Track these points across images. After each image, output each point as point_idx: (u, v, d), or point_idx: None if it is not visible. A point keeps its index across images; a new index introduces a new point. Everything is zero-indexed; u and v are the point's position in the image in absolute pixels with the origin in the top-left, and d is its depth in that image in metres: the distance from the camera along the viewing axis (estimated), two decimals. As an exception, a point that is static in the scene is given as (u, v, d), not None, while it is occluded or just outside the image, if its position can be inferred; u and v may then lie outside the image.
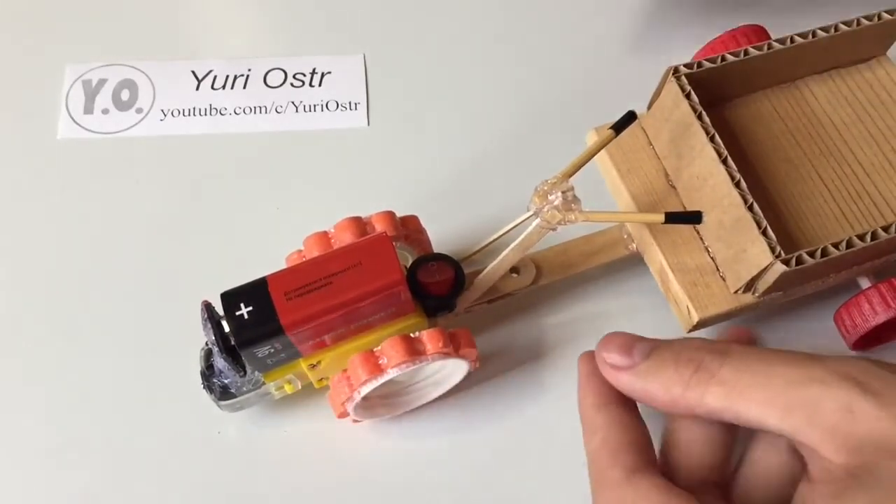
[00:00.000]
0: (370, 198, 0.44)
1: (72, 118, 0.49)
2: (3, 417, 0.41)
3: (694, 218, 0.37)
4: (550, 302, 0.44)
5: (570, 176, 0.37)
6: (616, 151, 0.42)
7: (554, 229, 0.36)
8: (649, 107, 0.42)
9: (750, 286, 0.39)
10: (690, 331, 0.40)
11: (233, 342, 0.34)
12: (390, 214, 0.39)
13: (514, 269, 0.42)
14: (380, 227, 0.38)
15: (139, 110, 0.49)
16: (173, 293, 0.44)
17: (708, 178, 0.38)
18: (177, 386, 0.41)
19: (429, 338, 0.36)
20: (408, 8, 0.54)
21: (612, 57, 0.52)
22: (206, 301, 0.36)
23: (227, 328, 0.34)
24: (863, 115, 0.43)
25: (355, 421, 0.40)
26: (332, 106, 0.50)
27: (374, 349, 0.36)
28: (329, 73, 0.51)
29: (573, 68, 0.51)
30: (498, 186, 0.47)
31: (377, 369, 0.35)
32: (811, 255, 0.36)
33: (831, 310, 0.43)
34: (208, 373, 0.38)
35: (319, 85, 0.51)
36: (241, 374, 0.36)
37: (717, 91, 0.41)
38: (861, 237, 0.37)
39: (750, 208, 0.37)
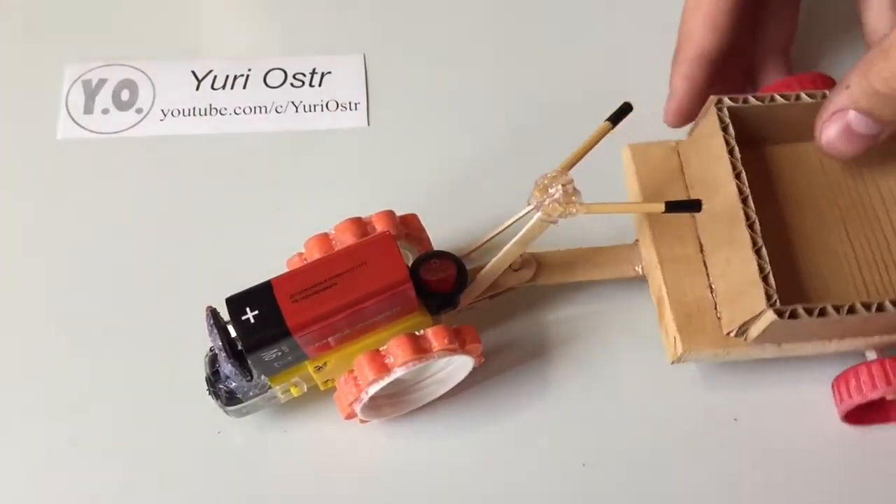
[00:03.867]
0: (370, 198, 0.44)
1: (72, 118, 0.49)
2: (3, 418, 0.41)
3: (694, 206, 0.36)
4: (553, 298, 0.44)
5: (570, 168, 0.37)
6: (646, 173, 0.42)
7: (555, 222, 0.36)
8: (689, 133, 0.42)
9: (742, 331, 0.38)
10: (674, 362, 0.40)
11: (240, 347, 0.34)
12: (390, 214, 0.39)
13: (516, 265, 0.42)
14: (380, 226, 0.38)
15: (139, 110, 0.49)
16: (173, 293, 0.44)
17: (726, 214, 0.38)
18: (177, 386, 0.41)
19: (434, 335, 0.36)
20: (408, 8, 0.54)
21: (614, 57, 0.52)
22: (210, 307, 0.36)
23: (233, 333, 0.34)
24: None
25: (363, 421, 0.40)
26: (332, 106, 0.50)
27: (380, 349, 0.36)
28: (329, 73, 0.51)
29: (573, 68, 0.52)
30: (498, 186, 0.47)
31: (384, 368, 0.36)
32: (808, 311, 0.35)
33: (833, 372, 0.41)
34: (214, 379, 0.38)
35: (319, 85, 0.51)
36: (248, 378, 0.36)
37: (762, 131, 0.41)
38: (867, 305, 0.35)
39: (757, 252, 0.36)
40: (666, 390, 0.42)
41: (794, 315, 0.35)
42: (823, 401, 0.42)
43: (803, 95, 0.39)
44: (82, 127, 0.49)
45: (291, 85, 0.51)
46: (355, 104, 0.50)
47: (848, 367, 0.40)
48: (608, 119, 0.38)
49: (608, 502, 0.40)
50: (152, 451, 0.40)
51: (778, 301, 0.35)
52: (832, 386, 0.41)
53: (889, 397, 0.40)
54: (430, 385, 0.41)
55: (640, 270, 0.42)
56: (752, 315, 0.36)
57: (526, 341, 0.44)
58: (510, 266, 0.41)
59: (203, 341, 0.38)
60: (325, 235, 0.39)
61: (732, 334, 0.38)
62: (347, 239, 0.38)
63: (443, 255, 0.39)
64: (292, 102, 0.50)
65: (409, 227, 0.40)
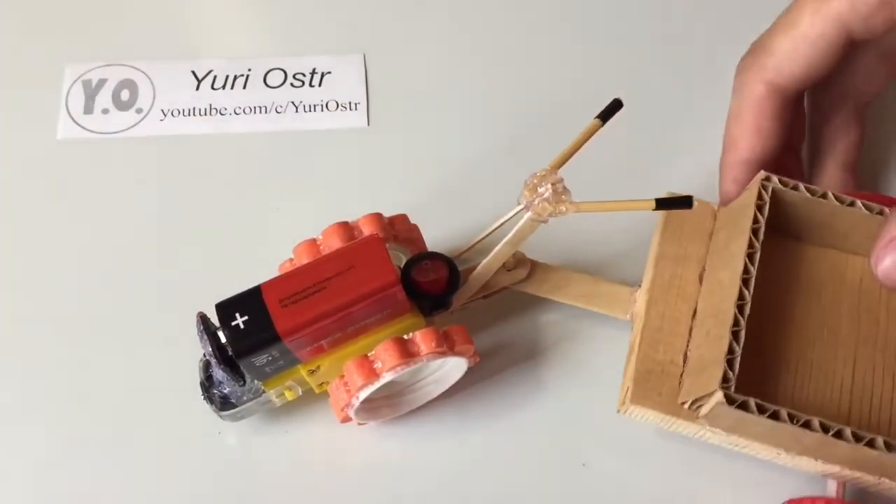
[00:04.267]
0: (370, 198, 0.43)
1: (72, 118, 0.49)
2: (3, 418, 0.41)
3: (684, 202, 0.36)
4: (549, 299, 0.44)
5: (560, 167, 0.36)
6: (675, 227, 0.41)
7: (545, 221, 0.36)
8: (722, 203, 0.42)
9: (695, 405, 0.36)
10: (620, 411, 0.38)
11: (230, 352, 0.34)
12: (377, 216, 0.39)
13: (510, 265, 0.41)
14: (367, 230, 0.38)
15: (139, 110, 0.50)
16: (173, 292, 0.44)
17: (725, 288, 0.37)
18: (177, 386, 0.41)
19: (422, 338, 0.36)
20: (408, 8, 0.53)
21: (609, 60, 0.52)
22: (201, 313, 0.36)
23: (223, 339, 0.34)
24: None
25: (360, 423, 0.40)
26: (332, 106, 0.50)
27: (369, 353, 0.36)
28: (329, 73, 0.51)
29: (572, 69, 0.51)
30: (498, 186, 0.46)
31: (372, 374, 0.36)
32: (760, 408, 0.33)
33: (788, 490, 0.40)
34: (208, 384, 0.38)
35: (319, 85, 0.51)
36: (241, 383, 0.36)
37: (810, 229, 0.39)
38: (825, 427, 0.33)
39: (734, 333, 0.35)
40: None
41: (743, 406, 0.33)
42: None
43: (859, 203, 0.38)
44: (82, 127, 0.49)
45: (291, 85, 0.51)
46: (355, 104, 0.50)
47: (802, 496, 0.38)
48: (598, 116, 0.38)
49: (608, 502, 0.40)
50: (152, 451, 0.41)
51: (733, 387, 0.33)
52: None
53: None
54: (426, 386, 0.41)
55: (629, 317, 0.42)
56: (705, 392, 0.34)
57: (522, 341, 0.43)
58: (504, 265, 0.41)
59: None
60: (313, 241, 0.38)
61: (686, 406, 0.37)
62: (335, 244, 0.37)
63: (435, 256, 0.39)
64: (292, 102, 0.50)
65: (397, 228, 0.40)
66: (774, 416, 0.33)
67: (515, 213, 0.37)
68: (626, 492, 0.40)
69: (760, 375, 0.35)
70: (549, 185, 0.36)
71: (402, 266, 0.38)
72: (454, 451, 0.41)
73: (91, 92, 0.50)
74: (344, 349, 0.37)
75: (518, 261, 0.41)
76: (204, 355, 0.38)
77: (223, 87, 0.51)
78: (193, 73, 0.51)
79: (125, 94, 0.50)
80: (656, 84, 0.47)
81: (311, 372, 0.37)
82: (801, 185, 0.38)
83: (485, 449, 0.41)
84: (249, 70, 0.51)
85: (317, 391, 0.39)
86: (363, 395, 0.36)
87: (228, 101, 0.50)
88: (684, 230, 0.41)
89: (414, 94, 0.51)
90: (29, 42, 0.52)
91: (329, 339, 0.36)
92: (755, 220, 0.37)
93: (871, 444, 0.33)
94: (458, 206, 0.46)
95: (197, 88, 0.50)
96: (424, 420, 0.41)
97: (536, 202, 0.36)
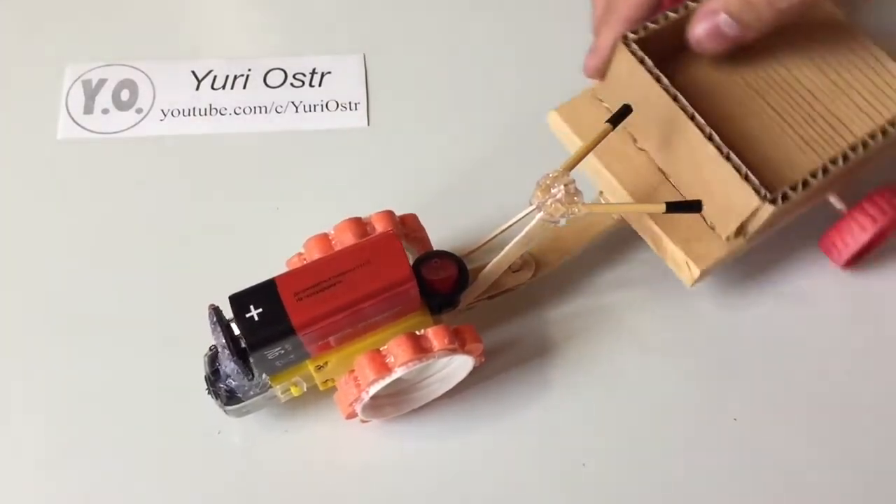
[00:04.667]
0: (370, 198, 0.44)
1: (72, 118, 0.49)
2: (3, 418, 0.41)
3: (694, 207, 0.38)
4: (552, 298, 0.45)
5: (571, 169, 0.37)
6: (581, 128, 0.43)
7: (557, 222, 0.37)
8: (602, 76, 0.43)
9: (740, 231, 0.40)
10: (693, 284, 0.41)
11: (243, 345, 0.34)
12: (390, 214, 0.39)
13: (515, 266, 0.42)
14: (380, 226, 0.39)
15: (139, 110, 0.49)
16: (173, 292, 0.44)
17: (679, 137, 0.39)
18: (177, 386, 0.41)
19: (434, 335, 0.36)
20: (408, 8, 0.54)
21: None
22: (213, 305, 0.36)
23: (236, 331, 0.34)
24: (799, 42, 0.44)
25: (363, 421, 0.40)
26: (332, 106, 0.50)
27: (381, 348, 0.36)
28: (329, 73, 0.51)
29: (572, 69, 0.51)
30: (498, 186, 0.47)
31: (384, 368, 0.36)
32: (794, 188, 0.38)
33: (810, 232, 0.45)
34: (213, 378, 0.38)
35: (319, 85, 0.51)
36: (250, 377, 0.36)
37: (661, 50, 0.42)
38: (834, 162, 0.39)
39: (727, 157, 0.38)
40: (666, 389, 0.43)
41: (785, 198, 0.38)
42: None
43: (690, 3, 0.41)
44: (82, 127, 0.49)
45: (291, 85, 0.51)
46: (355, 104, 0.50)
47: (830, 226, 0.44)
48: (608, 121, 0.38)
49: (608, 502, 0.40)
50: (152, 451, 0.40)
51: (766, 193, 0.37)
52: (822, 246, 0.45)
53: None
54: (430, 384, 0.41)
55: (618, 217, 0.43)
56: (748, 214, 0.38)
57: (526, 341, 0.44)
58: (510, 267, 0.41)
59: (203, 341, 0.38)
60: (325, 236, 0.39)
61: (731, 238, 0.40)
62: (347, 239, 0.38)
63: (444, 255, 0.39)
64: (292, 102, 0.50)
65: (408, 227, 0.40)
66: (806, 185, 0.38)
67: (527, 214, 0.37)
68: (629, 491, 0.41)
69: (755, 168, 0.38)
70: (562, 187, 0.36)
71: (411, 264, 0.38)
72: (459, 450, 0.41)
73: (91, 92, 0.50)
74: (352, 346, 0.37)
75: (524, 262, 0.42)
76: (210, 349, 0.38)
77: (223, 87, 0.51)
78: (193, 73, 0.51)
79: (125, 94, 0.50)
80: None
81: (319, 368, 0.37)
82: (647, 24, 0.41)
83: (489, 447, 0.41)
84: (249, 70, 0.51)
85: (322, 388, 0.39)
86: (373, 389, 0.36)
87: (228, 101, 0.50)
88: (589, 123, 0.43)
89: (414, 94, 0.51)
90: (29, 42, 0.52)
91: (338, 335, 0.36)
92: (651, 73, 0.40)
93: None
94: (458, 206, 0.47)
95: (197, 88, 0.50)
96: (430, 418, 0.42)
97: (549, 203, 0.36)
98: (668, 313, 0.44)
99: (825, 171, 0.39)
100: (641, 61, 0.40)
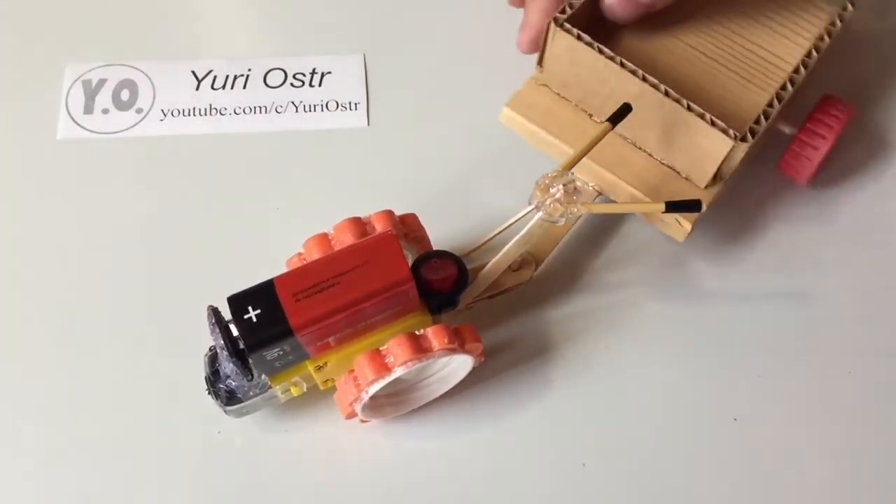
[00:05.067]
0: (370, 198, 0.43)
1: (72, 118, 0.49)
2: (3, 418, 0.41)
3: (694, 206, 0.38)
4: (552, 298, 0.45)
5: (570, 168, 0.37)
6: (537, 115, 0.44)
7: (556, 222, 0.37)
8: (539, 62, 0.44)
9: (717, 176, 0.41)
10: (686, 237, 0.42)
11: (242, 346, 0.34)
12: (390, 213, 0.39)
13: (515, 265, 0.42)
14: (380, 226, 0.39)
15: (139, 110, 0.49)
16: (172, 293, 0.44)
17: (636, 101, 0.40)
18: (177, 386, 0.41)
19: (434, 334, 0.36)
20: (408, 8, 0.54)
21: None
22: (212, 306, 0.36)
23: (235, 332, 0.34)
24: None
25: (363, 421, 0.40)
26: (332, 106, 0.50)
27: (381, 348, 0.36)
28: (329, 73, 0.51)
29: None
30: (498, 186, 0.47)
31: (384, 368, 0.36)
32: (757, 122, 0.39)
33: (764, 159, 0.46)
34: (213, 378, 0.38)
35: (319, 85, 0.51)
36: (249, 378, 0.36)
37: (586, 28, 0.42)
38: (783, 89, 0.41)
39: (689, 108, 0.39)
40: (666, 390, 0.43)
41: (753, 133, 0.39)
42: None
43: None
44: (82, 127, 0.49)
45: (291, 85, 0.51)
46: (355, 104, 0.50)
47: (786, 148, 0.45)
48: (608, 119, 0.38)
49: (608, 502, 0.40)
50: (152, 451, 0.40)
51: (736, 133, 0.38)
52: (781, 168, 0.46)
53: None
54: (430, 384, 0.41)
55: (594, 187, 0.43)
56: (722, 157, 0.39)
57: (526, 341, 0.44)
58: (510, 266, 0.41)
59: (203, 341, 0.38)
60: (325, 235, 0.39)
61: (709, 185, 0.42)
62: (347, 239, 0.38)
63: (443, 255, 0.39)
64: (292, 102, 0.50)
65: (407, 227, 0.40)
66: (766, 115, 0.40)
67: (526, 214, 0.37)
68: (629, 491, 0.41)
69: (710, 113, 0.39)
70: (561, 186, 0.36)
71: (410, 264, 0.38)
72: (458, 450, 0.41)
73: (91, 92, 0.50)
74: (352, 346, 0.37)
75: (524, 261, 0.42)
76: (210, 349, 0.38)
77: (223, 87, 0.51)
78: (193, 73, 0.51)
79: (125, 94, 0.50)
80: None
81: (319, 368, 0.37)
82: (572, 3, 0.42)
83: (489, 448, 0.41)
84: (249, 70, 0.51)
85: (322, 388, 0.39)
86: (373, 389, 0.36)
87: (228, 101, 0.50)
88: (543, 109, 0.44)
89: (414, 94, 0.51)
90: (29, 42, 0.51)
91: (338, 336, 0.36)
92: (591, 46, 0.41)
93: None
94: (458, 206, 0.47)
95: (197, 88, 0.50)
96: (430, 418, 0.42)
97: (548, 203, 0.36)
98: (668, 313, 0.44)
99: (779, 99, 0.40)
100: (579, 37, 0.40)
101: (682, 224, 0.41)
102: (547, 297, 0.44)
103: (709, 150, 0.39)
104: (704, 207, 0.40)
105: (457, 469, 0.41)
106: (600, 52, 0.40)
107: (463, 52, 0.52)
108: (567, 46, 0.41)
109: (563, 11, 0.41)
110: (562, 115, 0.43)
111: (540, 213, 0.36)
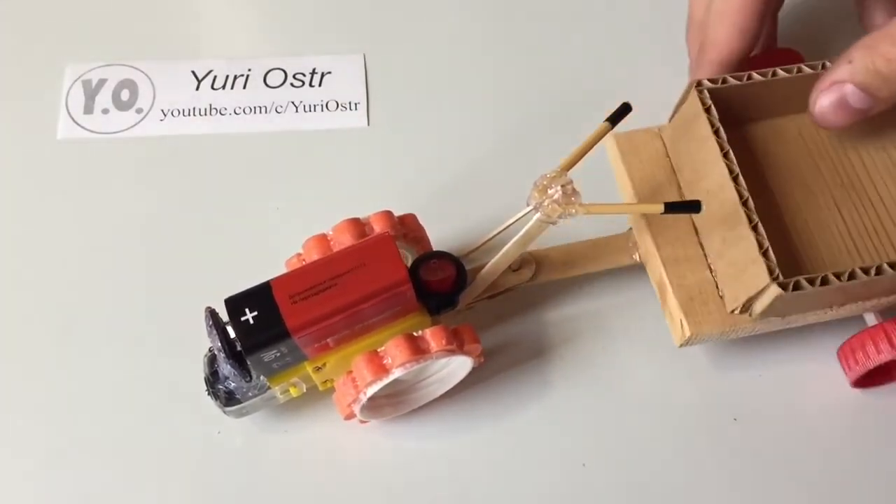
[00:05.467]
0: (370, 198, 0.43)
1: (72, 118, 0.49)
2: (3, 418, 0.41)
3: (693, 207, 0.36)
4: (552, 298, 0.44)
5: (569, 169, 0.37)
6: (633, 160, 0.42)
7: (554, 223, 0.36)
8: (671, 118, 0.42)
9: (746, 307, 0.38)
10: (682, 345, 0.40)
11: (239, 348, 0.34)
12: (388, 214, 0.39)
13: (515, 265, 0.42)
14: (378, 227, 0.38)
15: (139, 110, 0.49)
16: (172, 293, 0.44)
17: (717, 194, 0.38)
18: (177, 386, 0.41)
19: (432, 336, 0.36)
20: (408, 8, 0.54)
21: (612, 57, 0.52)
22: (209, 307, 0.36)
23: (232, 334, 0.34)
24: (890, 151, 0.41)
25: (362, 422, 0.40)
26: (332, 106, 0.50)
27: (379, 349, 0.36)
28: (329, 73, 0.51)
29: (572, 68, 0.52)
30: (498, 186, 0.47)
31: (382, 370, 0.36)
32: (810, 281, 0.35)
33: (834, 342, 0.42)
34: (213, 379, 0.38)
35: (319, 85, 0.51)
36: (247, 379, 0.36)
37: (741, 110, 0.41)
38: (865, 270, 0.36)
39: (754, 228, 0.36)
40: (666, 390, 0.43)
41: (797, 287, 0.35)
42: (828, 371, 0.43)
43: (780, 71, 0.40)
44: (82, 127, 0.49)
45: (291, 85, 0.51)
46: (355, 104, 0.50)
47: (851, 336, 0.41)
48: (607, 119, 0.38)
49: (608, 502, 0.40)
50: (152, 451, 0.41)
51: (780, 275, 0.35)
52: (838, 355, 0.42)
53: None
54: (429, 385, 0.41)
55: (637, 258, 0.42)
56: (756, 291, 0.36)
57: (525, 341, 0.44)
58: (510, 266, 0.41)
59: (203, 341, 0.38)
60: (324, 236, 0.39)
61: (737, 312, 0.39)
62: (346, 239, 0.38)
63: (442, 256, 0.39)
64: (292, 102, 0.50)
65: (407, 228, 0.40)
66: (824, 282, 0.36)
67: (524, 214, 0.37)
68: (629, 491, 0.41)
69: (777, 254, 0.36)
70: (559, 187, 0.36)
71: (409, 265, 0.38)
72: (458, 450, 0.41)
73: (91, 92, 0.50)
74: (350, 347, 0.37)
75: (524, 261, 0.42)
76: (209, 350, 0.38)
77: (223, 87, 0.51)
78: (193, 73, 0.51)
79: (125, 94, 0.50)
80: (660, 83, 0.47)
81: (317, 369, 0.37)
82: (728, 77, 0.39)
83: (488, 448, 0.41)
84: (249, 70, 0.51)
85: (321, 388, 0.39)
86: (371, 390, 0.36)
87: (228, 101, 0.50)
88: (642, 158, 0.42)
89: (414, 94, 0.51)
90: (29, 42, 0.51)
91: (336, 337, 0.36)
92: (712, 125, 0.38)
93: None
94: (457, 207, 0.46)
95: (197, 88, 0.50)
96: (430, 419, 0.42)
97: (546, 203, 0.36)
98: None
99: (852, 275, 0.36)
100: (707, 110, 0.38)
101: (683, 327, 0.39)
102: (547, 297, 0.44)
103: (748, 277, 0.37)
104: (718, 329, 0.39)
105: (457, 469, 0.41)
106: (716, 132, 0.38)
107: (463, 53, 0.52)
108: (694, 112, 0.39)
109: (715, 80, 0.39)
110: (654, 174, 0.42)
111: (538, 215, 0.36)
